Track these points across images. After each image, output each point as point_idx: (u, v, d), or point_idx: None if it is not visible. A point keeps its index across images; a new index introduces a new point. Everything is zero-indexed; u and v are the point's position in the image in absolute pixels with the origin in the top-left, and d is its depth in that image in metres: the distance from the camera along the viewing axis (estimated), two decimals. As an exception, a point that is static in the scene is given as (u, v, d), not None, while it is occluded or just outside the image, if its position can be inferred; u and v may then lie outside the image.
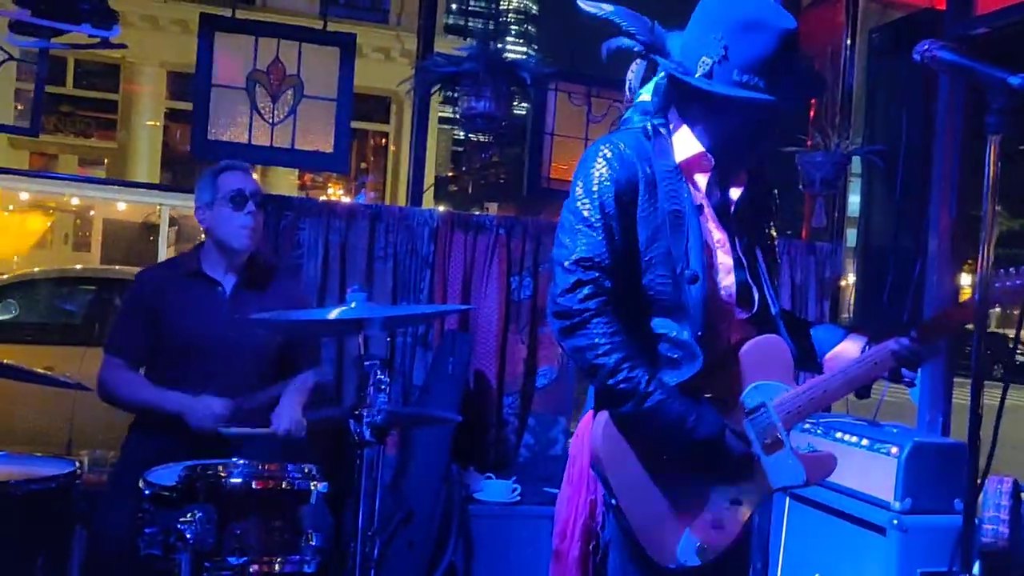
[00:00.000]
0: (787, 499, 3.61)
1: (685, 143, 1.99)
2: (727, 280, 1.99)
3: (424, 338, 3.91)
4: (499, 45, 3.92)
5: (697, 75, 1.88)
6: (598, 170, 1.93)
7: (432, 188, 12.74)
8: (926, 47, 1.61)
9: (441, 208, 4.68)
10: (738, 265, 2.00)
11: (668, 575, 1.94)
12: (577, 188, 1.95)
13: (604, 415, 1.93)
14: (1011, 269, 1.90)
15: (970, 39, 3.77)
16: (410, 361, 3.89)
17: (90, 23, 3.36)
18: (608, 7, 2.01)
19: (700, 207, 1.97)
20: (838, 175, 4.24)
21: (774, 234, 2.15)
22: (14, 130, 4.30)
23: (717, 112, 1.92)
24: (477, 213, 4.19)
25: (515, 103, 3.94)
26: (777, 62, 1.85)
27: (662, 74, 2.00)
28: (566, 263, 1.89)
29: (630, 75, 2.06)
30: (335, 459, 3.06)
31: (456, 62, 3.66)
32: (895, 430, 3.44)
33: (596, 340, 1.85)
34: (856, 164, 4.53)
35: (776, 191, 2.21)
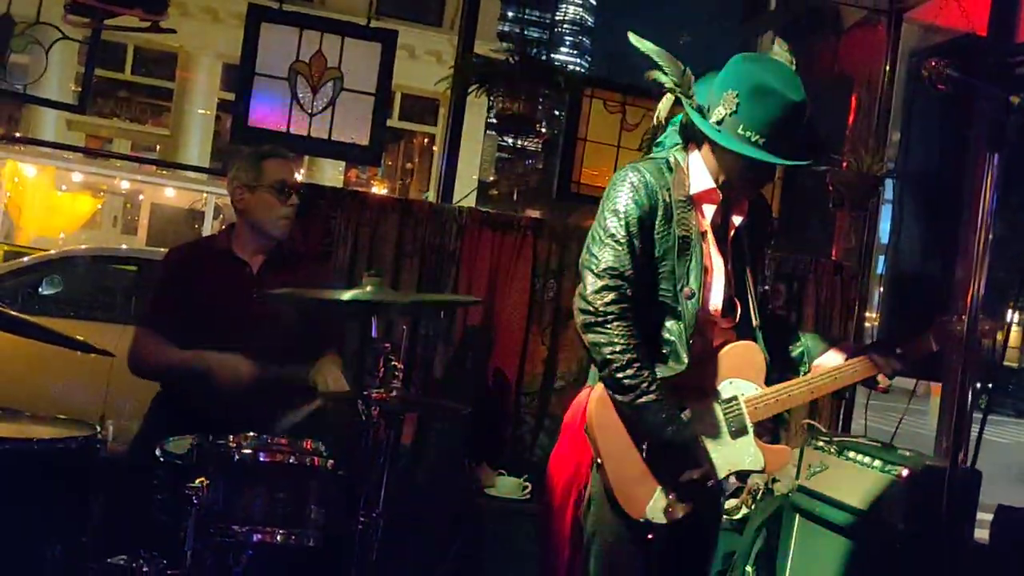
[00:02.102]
0: (796, 517, 3.61)
1: (699, 177, 2.34)
2: (716, 297, 2.36)
3: (446, 333, 3.96)
4: (551, 54, 3.95)
5: (711, 121, 2.24)
6: (626, 194, 2.28)
7: (475, 192, 12.81)
8: (933, 63, 1.64)
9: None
10: (727, 284, 2.37)
11: (637, 529, 2.30)
12: (606, 207, 2.30)
13: (601, 388, 2.29)
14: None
15: (1010, 66, 3.76)
16: (431, 354, 3.94)
17: (142, 7, 3.49)
18: (652, 47, 2.34)
19: (704, 233, 2.34)
20: (869, 196, 4.22)
21: (766, 253, 2.54)
22: (62, 106, 4.46)
23: (724, 155, 2.28)
24: (507, 212, 4.23)
25: (554, 110, 3.98)
26: (779, 126, 2.19)
27: (685, 112, 2.33)
28: (597, 270, 2.25)
29: (660, 107, 2.37)
30: (354, 442, 3.12)
31: (493, 63, 3.72)
32: (908, 454, 3.43)
33: (614, 339, 2.21)
34: (888, 191, 4.51)
35: (774, 216, 2.65)
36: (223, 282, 3.04)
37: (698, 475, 2.27)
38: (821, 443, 3.65)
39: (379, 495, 2.45)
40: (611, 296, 2.21)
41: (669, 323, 2.30)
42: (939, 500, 3.08)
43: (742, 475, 2.38)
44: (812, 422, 4.33)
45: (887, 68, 4.51)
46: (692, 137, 2.36)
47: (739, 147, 2.20)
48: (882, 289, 4.91)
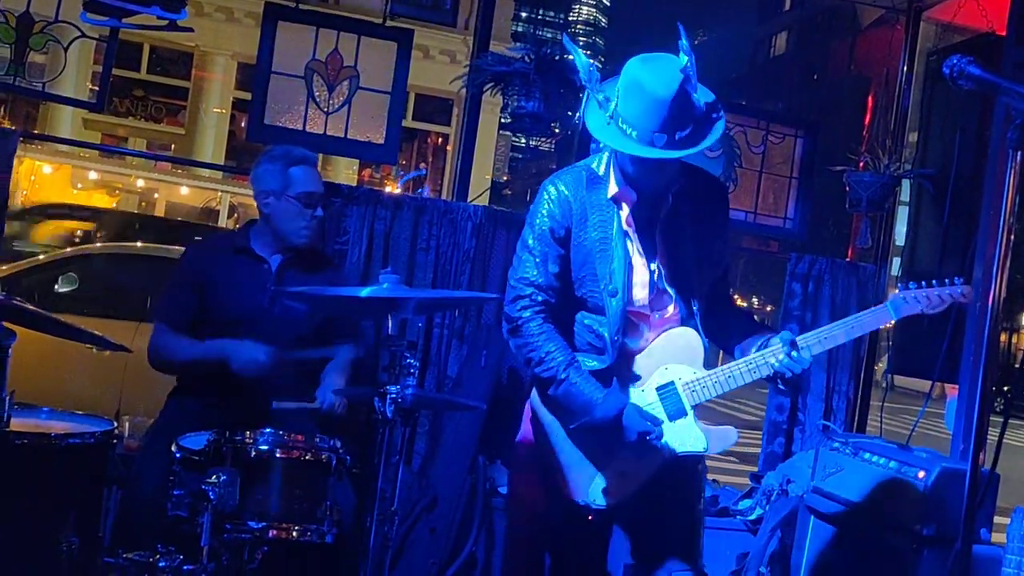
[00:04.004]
0: (811, 519, 3.59)
1: (615, 179, 2.44)
2: (641, 293, 2.46)
3: (461, 331, 3.96)
4: (564, 55, 3.93)
5: (606, 114, 2.30)
6: (540, 211, 2.45)
7: (488, 192, 12.80)
8: (955, 61, 1.63)
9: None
10: (654, 277, 2.46)
11: (581, 511, 2.45)
12: (527, 220, 2.49)
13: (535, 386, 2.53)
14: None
15: (1030, 66, 3.72)
16: (445, 352, 3.95)
17: (160, 5, 3.51)
18: (575, 48, 2.53)
19: (626, 232, 2.44)
20: (886, 196, 4.20)
21: (721, 236, 2.55)
22: (80, 104, 4.48)
23: (615, 151, 2.38)
24: (521, 211, 4.23)
25: (568, 110, 3.97)
26: (650, 120, 2.23)
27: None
28: (512, 280, 2.48)
29: (582, 106, 2.43)
30: (369, 440, 3.13)
31: (508, 62, 3.72)
32: (924, 455, 3.41)
33: (527, 340, 2.42)
34: (905, 192, 4.49)
35: (724, 191, 2.68)
36: (242, 278, 3.05)
37: (645, 440, 2.34)
38: (836, 444, 3.63)
39: (394, 492, 2.46)
40: (523, 303, 2.43)
41: (597, 321, 2.45)
42: (956, 502, 3.08)
43: (686, 456, 2.46)
44: (827, 423, 4.32)
45: (904, 68, 4.48)
46: None
47: (611, 138, 2.29)
48: (897, 287, 4.88)
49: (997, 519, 3.41)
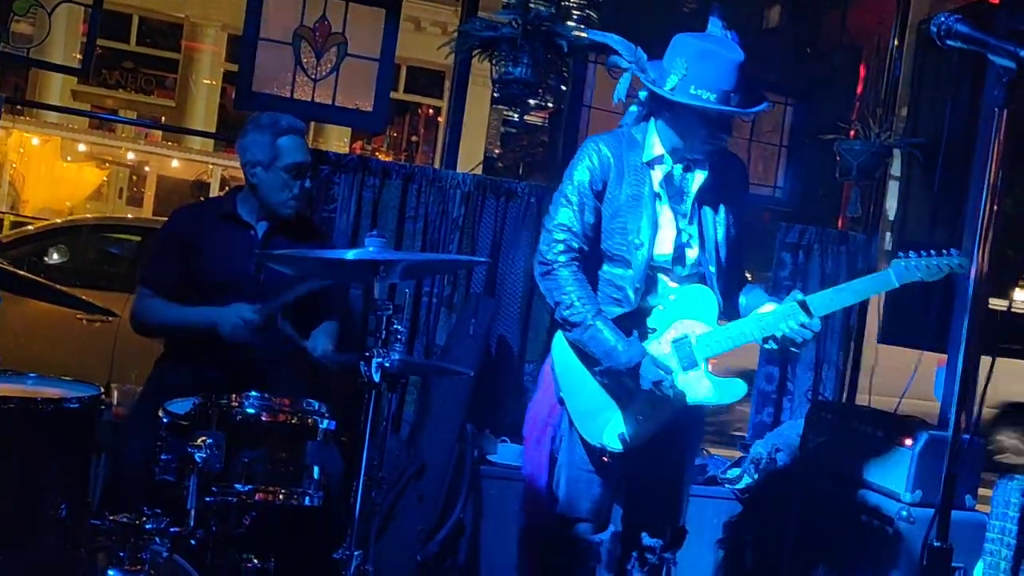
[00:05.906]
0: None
1: (653, 144, 2.66)
2: (665, 250, 2.66)
3: (449, 300, 3.95)
4: (551, 21, 3.87)
5: (666, 88, 2.53)
6: (581, 164, 2.67)
7: (480, 166, 12.74)
8: (943, 19, 1.62)
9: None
10: (679, 236, 2.67)
11: (596, 455, 2.67)
12: (567, 174, 2.69)
13: (560, 335, 2.71)
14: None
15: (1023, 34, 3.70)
16: (434, 321, 3.94)
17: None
18: (610, 35, 2.69)
19: (658, 194, 2.66)
20: (876, 165, 4.18)
21: (738, 211, 2.78)
22: (66, 69, 4.43)
23: (679, 117, 2.58)
24: (510, 180, 4.20)
25: (561, 85, 3.94)
26: (725, 81, 2.49)
27: (643, 89, 2.65)
28: (550, 225, 2.66)
29: (619, 87, 2.68)
30: (356, 405, 3.11)
31: (495, 27, 3.67)
32: (912, 423, 3.42)
33: (560, 283, 2.61)
34: (896, 167, 4.46)
35: (747, 172, 2.93)
36: (228, 244, 3.04)
37: (658, 388, 2.54)
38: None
39: (381, 458, 2.46)
40: (559, 248, 2.61)
41: (619, 276, 2.66)
42: (940, 470, 3.09)
43: (695, 405, 2.65)
44: (816, 392, 4.34)
45: (896, 37, 4.45)
46: (651, 111, 2.67)
47: (694, 101, 2.49)
48: (888, 258, 4.88)
49: (983, 491, 3.44)
